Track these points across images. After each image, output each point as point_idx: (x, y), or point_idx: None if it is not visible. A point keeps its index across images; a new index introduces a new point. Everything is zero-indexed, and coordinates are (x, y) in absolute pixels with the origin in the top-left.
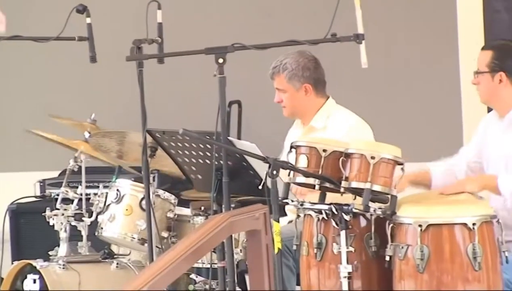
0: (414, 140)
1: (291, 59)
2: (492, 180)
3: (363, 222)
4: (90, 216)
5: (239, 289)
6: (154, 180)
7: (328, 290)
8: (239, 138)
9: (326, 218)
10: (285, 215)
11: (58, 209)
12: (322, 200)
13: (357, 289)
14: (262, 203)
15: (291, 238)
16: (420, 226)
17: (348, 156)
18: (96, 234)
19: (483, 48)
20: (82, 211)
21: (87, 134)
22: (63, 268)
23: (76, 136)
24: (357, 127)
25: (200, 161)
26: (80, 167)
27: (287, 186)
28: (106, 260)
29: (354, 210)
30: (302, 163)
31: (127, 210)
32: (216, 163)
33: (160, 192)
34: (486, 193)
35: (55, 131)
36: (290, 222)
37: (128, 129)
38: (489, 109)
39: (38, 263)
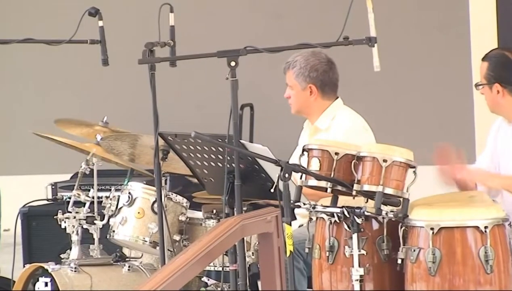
0: (427, 143)
1: (303, 58)
2: None
3: (375, 225)
4: (102, 219)
5: None
6: (166, 183)
7: None
8: (251, 141)
9: (338, 221)
10: (295, 218)
11: (70, 212)
12: (334, 203)
13: None
14: (274, 206)
15: (302, 241)
16: (432, 229)
17: (360, 159)
18: (107, 237)
19: (482, 59)
20: (94, 214)
21: (99, 137)
22: (75, 271)
23: (88, 139)
24: (356, 130)
25: (212, 164)
26: (92, 170)
27: (299, 189)
28: (118, 263)
29: (366, 213)
30: (314, 166)
31: (139, 213)
32: (228, 166)
33: (172, 195)
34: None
35: (67, 134)
36: (301, 226)
37: (140, 132)
38: None
39: (49, 266)
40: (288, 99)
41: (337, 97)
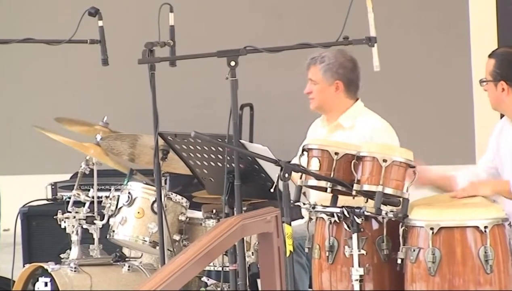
0: (426, 143)
1: (331, 54)
2: (505, 184)
3: (375, 225)
4: (101, 219)
5: None
6: (166, 183)
7: None
8: (251, 141)
9: (338, 221)
10: (302, 217)
11: (69, 212)
12: (334, 203)
13: None
14: (274, 206)
15: (305, 237)
16: (431, 229)
17: (360, 159)
18: (107, 237)
19: (489, 56)
20: (93, 213)
21: (99, 137)
22: (75, 271)
23: (88, 139)
24: (382, 131)
25: (212, 163)
26: (91, 170)
27: (299, 189)
28: (118, 263)
29: (366, 213)
30: (314, 165)
31: (138, 212)
32: (228, 165)
33: (172, 195)
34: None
35: (67, 134)
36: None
37: (140, 132)
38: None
39: (49, 266)
40: (308, 95)
41: (358, 99)
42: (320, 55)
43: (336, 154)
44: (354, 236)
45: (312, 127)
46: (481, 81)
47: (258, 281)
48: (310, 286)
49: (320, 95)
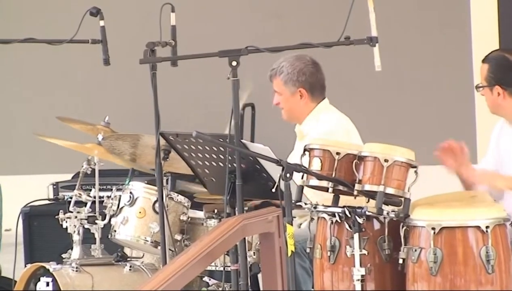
0: (428, 143)
1: (288, 63)
2: None
3: (376, 225)
4: (103, 219)
5: None
6: (167, 183)
7: None
8: (252, 141)
9: (339, 220)
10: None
11: (71, 212)
12: (335, 203)
13: None
14: (276, 206)
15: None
16: (433, 228)
17: (361, 158)
18: (109, 236)
19: (482, 61)
20: (95, 213)
21: (100, 137)
22: (76, 270)
23: (90, 139)
24: (329, 132)
25: (214, 163)
26: (93, 170)
27: (300, 189)
28: (119, 263)
29: (367, 213)
30: (316, 165)
31: (140, 212)
32: (230, 165)
33: (174, 194)
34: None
35: (69, 134)
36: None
37: (141, 132)
38: None
39: (51, 266)
40: (278, 106)
41: (324, 98)
42: (279, 65)
43: (338, 153)
44: (356, 236)
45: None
46: (477, 87)
47: (260, 280)
48: None
49: (287, 105)
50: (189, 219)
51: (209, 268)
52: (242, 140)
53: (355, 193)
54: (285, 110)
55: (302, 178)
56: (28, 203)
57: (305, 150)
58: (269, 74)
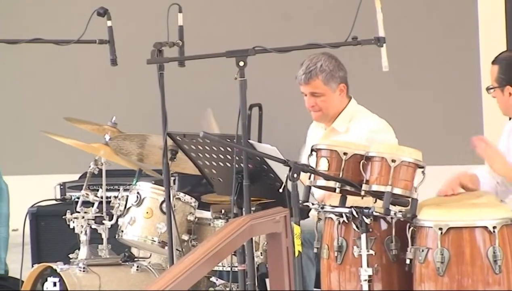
0: (435, 144)
1: (325, 61)
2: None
3: (383, 225)
4: (110, 219)
5: None
6: (174, 183)
7: None
8: (259, 141)
9: (346, 221)
10: (308, 217)
11: (78, 212)
12: (342, 203)
13: None
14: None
15: (314, 231)
16: (440, 229)
17: (368, 159)
18: (116, 237)
19: (492, 63)
20: (102, 214)
21: (107, 137)
22: (83, 271)
23: (97, 139)
24: (378, 130)
25: (221, 164)
26: (100, 170)
27: (308, 189)
28: (127, 263)
29: (374, 213)
30: (323, 166)
31: (147, 213)
32: (237, 166)
33: (181, 195)
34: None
35: (76, 134)
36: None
37: (148, 133)
38: None
39: (58, 266)
40: (311, 108)
41: (351, 97)
42: (316, 66)
43: (345, 154)
44: (363, 236)
45: (310, 132)
46: (488, 89)
47: (267, 281)
48: (317, 280)
49: (327, 105)
50: (196, 219)
51: (216, 268)
52: (249, 141)
53: (362, 193)
54: (324, 111)
55: (309, 178)
56: (35, 203)
57: (312, 150)
58: (304, 77)
